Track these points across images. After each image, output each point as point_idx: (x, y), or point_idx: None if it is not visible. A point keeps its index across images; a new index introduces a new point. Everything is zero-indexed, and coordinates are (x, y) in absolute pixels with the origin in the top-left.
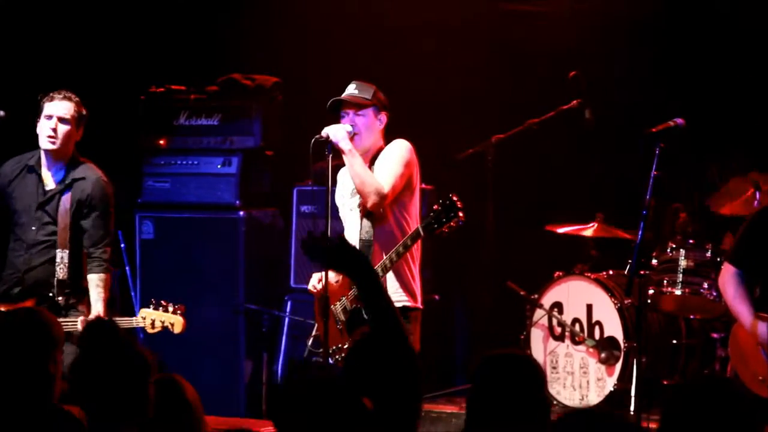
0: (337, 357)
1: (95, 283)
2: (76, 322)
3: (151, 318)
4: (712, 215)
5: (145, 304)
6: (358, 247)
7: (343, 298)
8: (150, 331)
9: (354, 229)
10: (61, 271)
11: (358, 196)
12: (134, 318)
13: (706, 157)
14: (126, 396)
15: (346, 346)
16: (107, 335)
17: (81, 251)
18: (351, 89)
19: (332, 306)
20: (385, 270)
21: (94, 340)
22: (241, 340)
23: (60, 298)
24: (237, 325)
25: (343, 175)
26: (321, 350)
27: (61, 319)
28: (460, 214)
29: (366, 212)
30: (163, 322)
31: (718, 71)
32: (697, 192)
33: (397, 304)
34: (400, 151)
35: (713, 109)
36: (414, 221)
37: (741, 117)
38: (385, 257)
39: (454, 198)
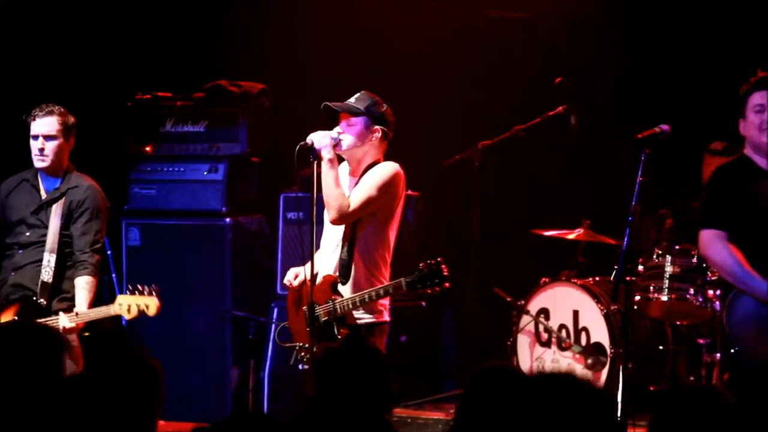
0: (302, 355)
1: (81, 285)
2: (57, 319)
3: (127, 303)
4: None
5: (123, 291)
6: (335, 264)
7: (318, 306)
8: (127, 316)
9: (334, 244)
10: (46, 274)
11: None
12: (111, 305)
13: (693, 161)
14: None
15: (313, 348)
16: (114, 345)
17: (67, 255)
18: (351, 98)
19: (305, 307)
20: (360, 305)
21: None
22: (227, 347)
23: (42, 301)
24: (224, 332)
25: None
26: (287, 343)
27: (42, 320)
28: (446, 284)
29: (346, 230)
30: (138, 306)
31: (704, 76)
32: (683, 197)
33: (362, 321)
34: (382, 175)
35: (700, 114)
36: (389, 249)
37: (727, 121)
38: (363, 292)
39: (443, 266)
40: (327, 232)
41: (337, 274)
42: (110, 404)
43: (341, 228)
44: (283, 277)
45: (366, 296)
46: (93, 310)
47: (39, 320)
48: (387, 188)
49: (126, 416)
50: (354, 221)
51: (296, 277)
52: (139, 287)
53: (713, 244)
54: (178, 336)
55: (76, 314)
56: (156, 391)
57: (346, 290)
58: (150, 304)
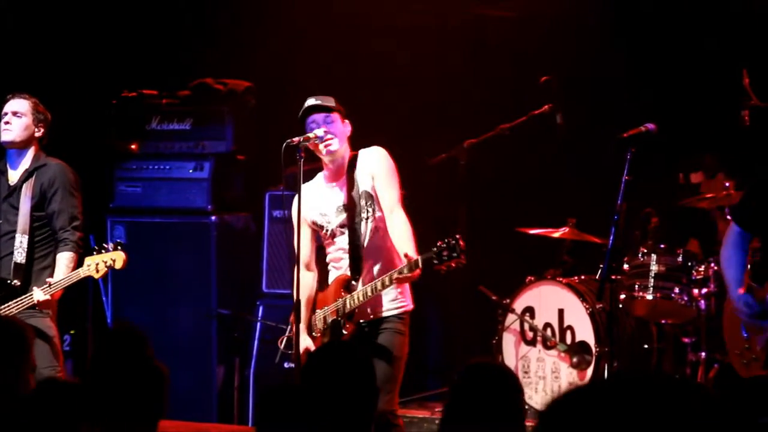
0: (298, 357)
1: (62, 261)
2: (32, 295)
3: (94, 263)
4: (686, 214)
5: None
6: (348, 261)
7: (326, 308)
8: (96, 276)
9: (343, 245)
10: (19, 255)
11: (344, 214)
12: (80, 269)
13: (678, 160)
14: (143, 402)
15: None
16: (127, 342)
17: (41, 238)
18: (312, 100)
19: (316, 311)
20: (375, 291)
21: (115, 347)
22: (213, 345)
23: (16, 282)
24: (209, 330)
25: (314, 197)
26: (292, 351)
27: (17, 299)
28: (462, 258)
29: (353, 228)
30: (105, 262)
31: (690, 75)
32: (668, 194)
33: (400, 310)
34: (389, 165)
35: (686, 112)
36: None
37: (711, 121)
38: (377, 280)
39: (460, 240)
40: (337, 240)
41: (349, 272)
42: (116, 405)
43: (347, 230)
44: (268, 275)
45: (379, 284)
46: (64, 277)
47: (13, 301)
48: (396, 171)
49: (130, 417)
50: (359, 217)
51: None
52: (105, 245)
53: (727, 236)
54: (164, 333)
55: (49, 285)
56: (161, 393)
57: (359, 286)
58: (116, 258)
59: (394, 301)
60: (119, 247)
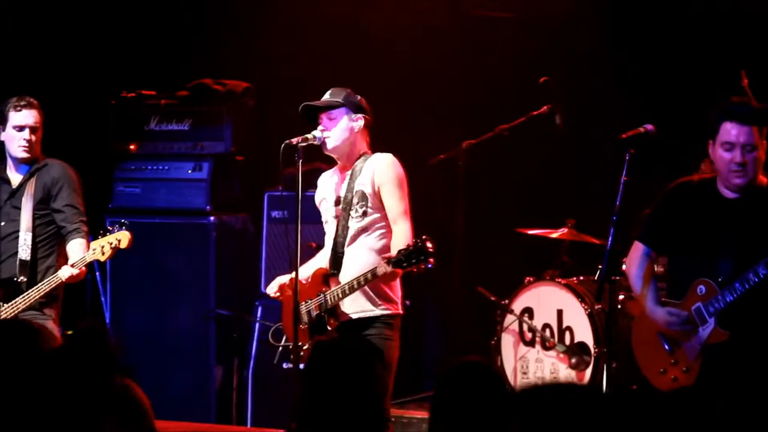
0: (299, 353)
1: (76, 246)
2: (39, 287)
3: (99, 246)
4: None
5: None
6: (331, 255)
7: (310, 301)
8: (102, 258)
9: (331, 236)
10: (23, 252)
11: (338, 206)
12: (86, 254)
13: (677, 161)
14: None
15: (306, 347)
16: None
17: (44, 236)
18: (326, 96)
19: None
20: (345, 294)
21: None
22: (211, 346)
23: (23, 278)
24: (208, 331)
25: (325, 182)
26: (280, 343)
27: (23, 296)
28: (431, 260)
29: (343, 224)
30: (111, 244)
31: (690, 76)
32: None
33: (374, 313)
34: (395, 174)
35: (685, 113)
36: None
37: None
38: (353, 279)
39: (428, 242)
40: (329, 231)
41: (328, 265)
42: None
43: (333, 222)
44: (267, 275)
45: (354, 283)
46: (80, 258)
47: (19, 297)
48: (404, 181)
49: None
50: (348, 214)
51: (280, 287)
52: (109, 228)
53: (633, 256)
54: (162, 334)
55: (72, 265)
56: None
57: (340, 281)
58: (122, 237)
59: (380, 306)
60: (123, 227)
